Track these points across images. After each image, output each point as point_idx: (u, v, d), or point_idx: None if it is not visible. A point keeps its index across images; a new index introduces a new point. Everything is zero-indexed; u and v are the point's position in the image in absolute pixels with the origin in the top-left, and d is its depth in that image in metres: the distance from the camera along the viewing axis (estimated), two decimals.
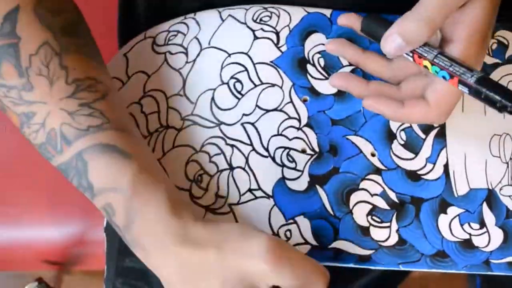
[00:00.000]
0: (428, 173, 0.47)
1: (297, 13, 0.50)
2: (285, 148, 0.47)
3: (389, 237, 0.46)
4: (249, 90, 0.48)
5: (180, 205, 0.41)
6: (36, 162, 0.71)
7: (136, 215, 0.39)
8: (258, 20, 0.50)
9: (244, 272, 0.38)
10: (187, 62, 0.49)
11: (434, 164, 0.48)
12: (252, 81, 0.49)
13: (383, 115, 0.43)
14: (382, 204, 0.47)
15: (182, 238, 0.39)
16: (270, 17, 0.50)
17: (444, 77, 0.39)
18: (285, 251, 0.38)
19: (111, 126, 0.41)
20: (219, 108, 0.48)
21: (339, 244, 0.46)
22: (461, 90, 0.38)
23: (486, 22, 0.39)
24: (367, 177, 0.47)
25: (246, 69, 0.49)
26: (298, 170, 0.47)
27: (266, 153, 0.47)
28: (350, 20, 0.46)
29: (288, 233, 0.46)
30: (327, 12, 0.50)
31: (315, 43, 0.50)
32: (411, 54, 0.41)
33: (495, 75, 0.50)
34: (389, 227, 0.46)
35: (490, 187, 0.47)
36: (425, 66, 0.40)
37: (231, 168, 0.47)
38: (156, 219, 0.39)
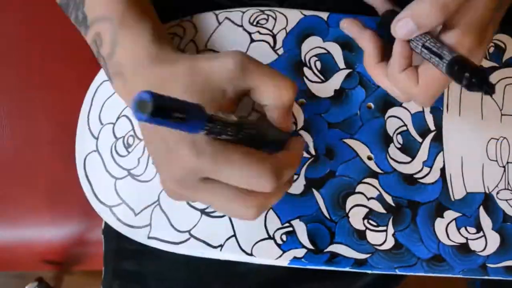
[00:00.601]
0: (424, 176, 0.47)
1: (294, 16, 0.50)
2: None
3: (385, 241, 0.46)
4: None
5: (162, 38, 0.42)
6: (36, 162, 0.71)
7: (120, 41, 0.41)
8: (254, 23, 0.50)
9: (211, 73, 0.37)
10: None
11: (431, 168, 0.47)
12: None
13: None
14: (378, 207, 0.47)
15: (159, 58, 0.39)
16: (267, 20, 0.50)
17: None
18: (257, 62, 0.38)
19: None
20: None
21: (335, 247, 0.46)
22: (447, 77, 0.39)
23: (485, 13, 0.39)
24: (363, 180, 0.47)
25: None
26: (295, 174, 0.47)
27: None
28: (352, 26, 0.46)
29: (284, 236, 0.46)
30: (324, 15, 0.50)
31: (312, 46, 0.49)
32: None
33: (492, 78, 0.49)
34: (386, 231, 0.46)
35: (487, 191, 0.47)
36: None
37: None
38: (138, 45, 0.40)
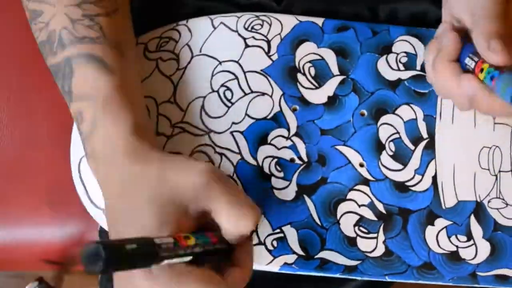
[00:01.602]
0: (416, 184, 0.47)
1: (289, 22, 0.50)
2: (274, 157, 0.47)
3: (376, 248, 0.46)
4: (239, 99, 0.48)
5: (144, 130, 0.42)
6: (36, 162, 0.71)
7: (100, 126, 0.40)
8: (249, 28, 0.50)
9: (176, 188, 0.37)
10: (178, 69, 0.50)
11: (423, 175, 0.47)
12: (242, 90, 0.49)
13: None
14: (369, 215, 0.47)
15: (134, 154, 0.39)
16: (262, 25, 0.50)
17: (492, 76, 0.39)
18: (224, 177, 0.38)
19: (105, 41, 0.43)
20: (209, 116, 0.48)
21: (325, 254, 0.46)
22: None
23: None
24: (355, 187, 0.47)
25: (237, 78, 0.49)
26: (286, 180, 0.47)
27: (254, 162, 0.47)
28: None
29: (274, 242, 0.46)
30: (319, 21, 0.50)
31: (306, 52, 0.49)
32: (476, 59, 0.41)
33: None
34: (376, 238, 0.46)
35: (478, 200, 0.47)
36: (481, 69, 0.40)
37: None
38: (117, 134, 0.40)
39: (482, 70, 0.40)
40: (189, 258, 0.35)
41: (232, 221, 0.37)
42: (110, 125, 0.40)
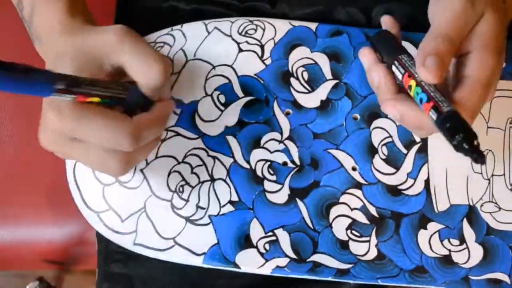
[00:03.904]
0: (409, 188, 0.47)
1: (283, 27, 0.50)
2: (266, 160, 0.48)
3: (368, 251, 0.46)
4: (232, 103, 0.49)
5: (76, 11, 0.44)
6: (36, 163, 0.72)
7: (37, 10, 0.44)
8: (243, 33, 0.50)
9: (93, 47, 0.39)
10: (172, 73, 0.50)
11: (415, 179, 0.48)
12: (235, 94, 0.49)
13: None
14: (362, 218, 0.47)
15: (69, 29, 0.42)
16: (256, 30, 0.50)
17: (421, 100, 0.38)
18: (136, 35, 0.40)
19: None
20: (202, 119, 0.49)
21: (317, 257, 0.46)
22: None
23: (498, 32, 0.40)
24: (347, 191, 0.47)
25: (230, 82, 0.49)
26: (279, 183, 0.47)
27: (247, 166, 0.47)
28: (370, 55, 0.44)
29: (267, 245, 0.46)
30: (313, 25, 0.51)
31: (300, 56, 0.50)
32: (403, 71, 0.40)
33: None
34: (369, 241, 0.47)
35: (471, 204, 0.47)
36: (409, 86, 0.40)
37: (212, 179, 0.47)
38: (52, 14, 0.43)
39: (410, 87, 0.39)
40: (96, 99, 0.37)
41: (142, 71, 0.39)
42: (45, 9, 0.44)
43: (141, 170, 0.48)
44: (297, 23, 0.51)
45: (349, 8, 0.53)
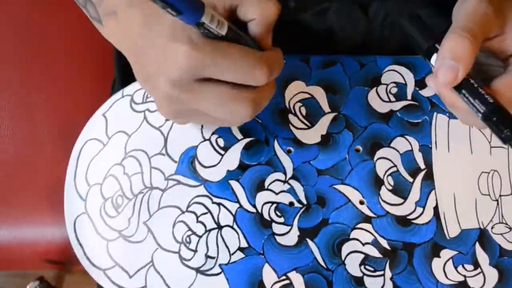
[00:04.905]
0: (418, 217, 0.47)
1: None
2: (273, 202, 0.47)
3: (383, 285, 0.46)
4: (231, 145, 0.48)
5: None
6: (37, 162, 0.72)
7: None
8: None
9: None
10: (167, 120, 0.49)
11: (424, 207, 0.47)
12: (234, 136, 0.48)
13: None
14: (374, 252, 0.46)
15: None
16: None
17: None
18: None
19: None
20: (202, 165, 0.47)
21: None
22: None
23: None
24: (357, 226, 0.47)
25: None
26: (287, 225, 0.46)
27: (253, 210, 0.46)
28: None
29: None
30: (305, 58, 0.50)
31: (295, 91, 0.49)
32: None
33: None
34: (383, 275, 0.46)
35: (482, 227, 0.47)
36: None
37: (219, 227, 0.46)
38: None
39: None
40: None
41: (259, 6, 0.37)
42: None
43: (145, 223, 0.47)
44: (287, 56, 0.50)
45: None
